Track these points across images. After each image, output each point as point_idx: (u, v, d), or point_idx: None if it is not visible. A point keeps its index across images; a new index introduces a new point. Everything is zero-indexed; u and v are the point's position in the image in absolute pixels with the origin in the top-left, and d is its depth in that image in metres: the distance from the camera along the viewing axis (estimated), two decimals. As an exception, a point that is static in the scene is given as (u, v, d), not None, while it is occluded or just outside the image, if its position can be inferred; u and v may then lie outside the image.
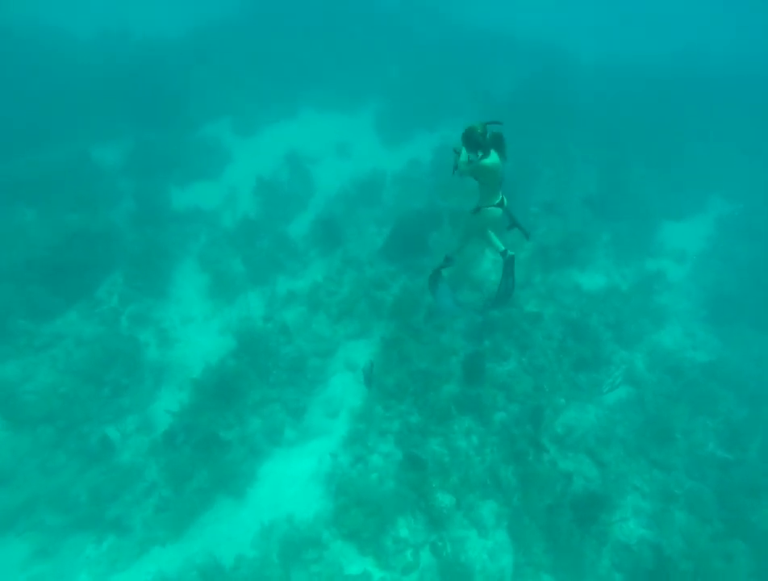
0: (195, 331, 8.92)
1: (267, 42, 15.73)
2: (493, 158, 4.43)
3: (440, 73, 14.27)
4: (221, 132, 13.58)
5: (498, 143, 4.42)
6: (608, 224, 10.32)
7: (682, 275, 10.37)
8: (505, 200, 4.88)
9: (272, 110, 14.19)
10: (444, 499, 6.38)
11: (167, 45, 15.74)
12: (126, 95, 13.09)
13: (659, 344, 8.92)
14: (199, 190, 11.44)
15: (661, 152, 11.59)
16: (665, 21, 20.11)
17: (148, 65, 14.06)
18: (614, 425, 7.44)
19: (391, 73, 14.87)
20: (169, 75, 13.96)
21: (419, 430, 7.09)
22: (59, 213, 9.35)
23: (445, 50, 15.05)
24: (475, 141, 4.31)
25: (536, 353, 8.07)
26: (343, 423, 7.55)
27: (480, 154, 4.40)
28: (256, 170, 11.85)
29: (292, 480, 6.94)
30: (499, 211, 4.87)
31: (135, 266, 9.22)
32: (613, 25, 19.54)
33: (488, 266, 9.29)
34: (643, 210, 10.76)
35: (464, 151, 4.50)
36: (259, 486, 6.88)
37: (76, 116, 12.09)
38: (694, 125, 12.36)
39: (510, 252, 5.09)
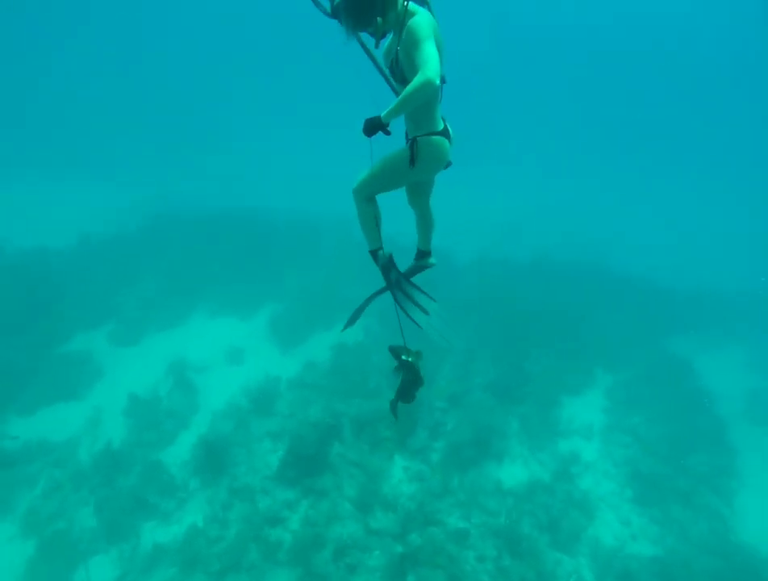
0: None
1: (161, 250, 15.82)
2: (422, 24, 2.26)
3: (334, 272, 15.05)
4: (95, 344, 12.17)
5: None
6: (514, 409, 10.19)
7: (595, 453, 10.12)
8: (449, 127, 2.75)
9: (159, 317, 13.36)
10: None
11: (46, 256, 15.02)
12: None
13: (599, 542, 8.02)
14: (51, 416, 9.46)
15: (548, 331, 12.54)
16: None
17: (16, 277, 12.97)
18: None
19: (288, 276, 15.41)
20: (42, 286, 12.92)
21: None
22: None
23: (339, 251, 16.21)
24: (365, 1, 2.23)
25: (471, 586, 6.64)
26: None
27: (389, 27, 2.36)
28: (130, 386, 10.36)
29: None
30: (448, 144, 2.70)
31: None
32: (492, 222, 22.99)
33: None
34: (541, 389, 10.96)
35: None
36: None
37: None
38: (572, 306, 13.84)
39: (385, 251, 3.05)
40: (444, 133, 2.68)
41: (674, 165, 38.70)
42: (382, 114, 2.24)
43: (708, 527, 8.22)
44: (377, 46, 2.46)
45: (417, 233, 3.33)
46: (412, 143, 2.60)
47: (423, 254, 3.37)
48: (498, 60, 45.00)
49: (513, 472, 8.98)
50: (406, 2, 2.32)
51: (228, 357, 11.53)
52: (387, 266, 3.06)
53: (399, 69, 2.46)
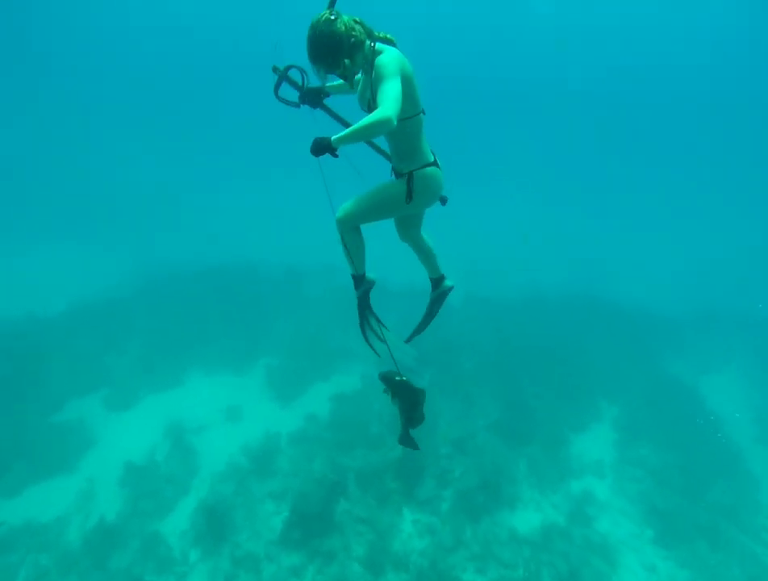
0: None
1: (151, 311, 15.66)
2: (388, 61, 2.31)
3: (324, 320, 14.91)
4: (88, 411, 11.80)
5: (367, 32, 2.39)
6: (522, 450, 9.90)
7: (608, 491, 9.77)
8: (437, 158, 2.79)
9: (154, 379, 13.09)
10: None
11: (33, 324, 14.75)
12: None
13: (625, 591, 7.59)
14: (38, 495, 8.98)
15: (547, 367, 12.38)
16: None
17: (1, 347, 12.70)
18: None
19: (280, 328, 15.28)
20: (30, 355, 12.61)
21: None
22: None
23: (326, 298, 16.13)
24: (332, 44, 2.27)
25: (495, 651, 6.18)
26: None
27: (358, 68, 2.42)
28: (125, 453, 9.98)
29: None
30: (441, 174, 2.73)
31: None
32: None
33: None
34: (547, 426, 10.70)
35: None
36: None
37: None
38: (568, 339, 13.73)
39: (369, 275, 3.00)
40: (435, 164, 2.70)
41: (667, 188, 38.70)
42: (333, 138, 2.20)
43: (742, 571, 7.81)
44: (351, 87, 2.56)
45: (423, 265, 3.32)
46: (409, 178, 2.59)
47: (437, 282, 3.34)
48: (484, 82, 44.82)
49: (527, 518, 8.60)
50: (373, 43, 2.37)
51: (226, 416, 11.21)
52: (366, 292, 3.01)
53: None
